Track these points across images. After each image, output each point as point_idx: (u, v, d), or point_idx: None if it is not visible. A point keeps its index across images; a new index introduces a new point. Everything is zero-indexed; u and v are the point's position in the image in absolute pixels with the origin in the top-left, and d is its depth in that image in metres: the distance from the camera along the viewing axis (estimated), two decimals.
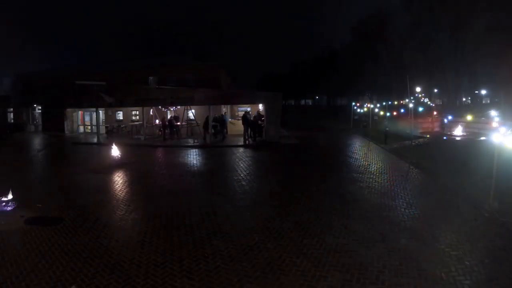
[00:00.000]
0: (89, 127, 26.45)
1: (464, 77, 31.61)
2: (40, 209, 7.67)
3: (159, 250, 5.64)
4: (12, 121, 28.49)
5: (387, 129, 18.94)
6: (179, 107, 24.13)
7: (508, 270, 4.84)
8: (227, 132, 21.57)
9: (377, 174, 11.27)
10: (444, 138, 20.70)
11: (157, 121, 25.08)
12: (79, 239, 6.07)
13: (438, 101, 47.89)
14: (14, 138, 23.10)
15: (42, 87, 25.37)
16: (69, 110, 24.95)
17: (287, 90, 59.57)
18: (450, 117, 23.98)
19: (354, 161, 14.02)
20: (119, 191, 9.49)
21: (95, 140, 21.86)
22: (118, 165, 12.72)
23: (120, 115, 26.51)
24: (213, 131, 20.46)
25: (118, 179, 10.94)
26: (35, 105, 27.92)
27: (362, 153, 15.88)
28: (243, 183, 10.26)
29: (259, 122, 20.96)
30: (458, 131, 21.72)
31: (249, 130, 19.84)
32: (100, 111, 25.07)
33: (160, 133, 23.00)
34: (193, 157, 15.19)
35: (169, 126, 21.32)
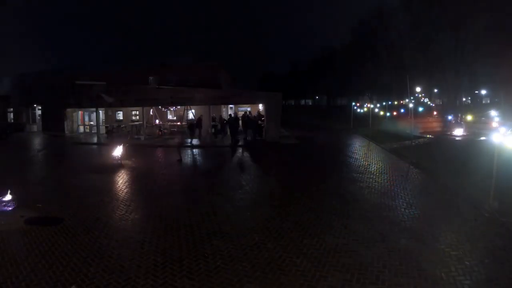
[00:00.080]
0: (89, 127, 26.46)
1: (464, 77, 31.56)
2: (40, 209, 7.67)
3: (159, 250, 5.64)
4: (12, 121, 28.50)
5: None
6: (179, 107, 24.16)
7: (508, 270, 4.84)
8: (227, 132, 21.57)
9: (377, 174, 11.27)
10: (445, 138, 20.71)
11: (157, 121, 25.12)
12: (79, 239, 6.07)
13: (438, 101, 47.90)
14: (14, 138, 23.10)
15: (42, 87, 25.39)
16: (69, 110, 24.96)
17: (287, 90, 59.65)
18: (450, 117, 23.99)
19: (354, 161, 14.02)
20: (119, 191, 9.49)
21: (95, 140, 21.88)
22: (118, 165, 12.72)
23: (120, 115, 26.53)
24: (213, 131, 20.46)
25: (118, 179, 10.94)
26: (35, 105, 27.93)
27: (362, 153, 15.88)
28: (243, 183, 10.26)
29: (259, 122, 20.96)
30: (459, 131, 21.71)
31: (249, 130, 19.87)
32: (100, 111, 25.09)
33: (160, 133, 23.04)
34: (193, 157, 15.19)
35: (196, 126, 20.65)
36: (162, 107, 24.61)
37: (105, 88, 22.20)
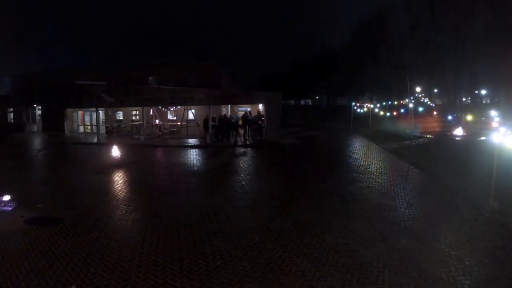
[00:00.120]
0: (89, 127, 26.46)
1: (464, 77, 31.55)
2: (40, 209, 7.67)
3: (159, 250, 5.64)
4: (12, 121, 28.49)
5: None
6: (179, 107, 24.16)
7: (508, 270, 4.84)
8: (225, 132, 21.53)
9: (377, 174, 11.27)
10: (445, 138, 20.69)
11: (157, 121, 25.12)
12: (79, 239, 6.07)
13: (438, 101, 47.88)
14: (14, 138, 23.09)
15: (42, 87, 25.37)
16: (69, 110, 24.95)
17: (287, 90, 59.58)
18: (450, 117, 23.98)
19: (354, 161, 14.02)
20: (119, 191, 9.49)
21: (95, 140, 21.87)
22: (118, 165, 12.72)
23: (120, 115, 26.52)
24: (213, 131, 20.45)
25: (118, 179, 10.94)
26: (35, 105, 27.92)
27: (362, 153, 15.88)
28: (243, 183, 10.26)
29: (259, 122, 20.95)
30: (458, 131, 21.70)
31: (249, 130, 19.86)
32: (100, 111, 25.08)
33: (160, 133, 23.04)
34: (193, 157, 15.19)
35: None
36: (162, 107, 24.61)
37: (105, 88, 22.18)
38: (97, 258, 5.34)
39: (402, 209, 7.57)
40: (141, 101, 22.20)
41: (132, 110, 25.87)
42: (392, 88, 38.46)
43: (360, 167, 12.55)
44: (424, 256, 5.25)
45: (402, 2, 35.96)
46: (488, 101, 44.72)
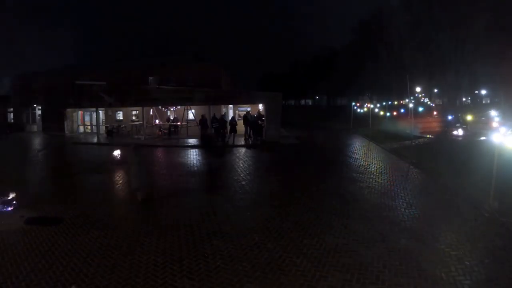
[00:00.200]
0: (89, 127, 26.46)
1: (464, 77, 31.54)
2: (40, 209, 7.67)
3: (159, 250, 5.64)
4: (12, 121, 28.50)
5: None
6: (179, 107, 24.16)
7: (508, 270, 4.84)
8: (226, 132, 21.55)
9: (377, 174, 11.28)
10: (445, 138, 20.69)
11: (157, 121, 25.11)
12: (79, 239, 6.07)
13: (438, 101, 47.89)
14: (14, 138, 23.10)
15: (42, 87, 25.37)
16: (69, 110, 24.97)
17: (287, 90, 59.56)
18: (450, 117, 23.96)
19: (354, 161, 14.02)
20: (119, 191, 9.50)
21: (95, 140, 21.88)
22: (118, 165, 12.72)
23: (120, 115, 26.52)
24: (213, 131, 20.46)
25: (118, 179, 10.94)
26: (35, 105, 27.93)
27: (362, 153, 15.88)
28: (243, 183, 10.26)
29: (259, 122, 20.95)
30: (458, 131, 21.70)
31: (249, 130, 19.87)
32: (100, 111, 25.09)
33: (160, 133, 23.04)
34: (193, 157, 15.19)
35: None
36: (162, 107, 24.61)
37: (105, 88, 22.19)
38: (97, 258, 5.34)
39: (402, 209, 7.57)
40: (141, 101, 22.21)
41: (132, 110, 25.87)
42: (392, 88, 38.48)
43: (360, 167, 12.56)
44: (424, 256, 5.25)
45: (402, 2, 35.96)
46: (488, 101, 44.73)
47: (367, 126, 23.77)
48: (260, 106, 24.01)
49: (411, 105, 18.53)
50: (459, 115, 23.78)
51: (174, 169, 12.61)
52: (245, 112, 21.62)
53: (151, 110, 24.67)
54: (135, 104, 23.03)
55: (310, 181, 10.48)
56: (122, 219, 7.20)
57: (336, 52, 56.30)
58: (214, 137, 19.00)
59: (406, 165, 12.47)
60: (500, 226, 6.39)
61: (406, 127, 18.41)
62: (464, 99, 40.97)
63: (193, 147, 18.25)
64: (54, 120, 24.73)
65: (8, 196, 7.59)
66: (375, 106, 34.56)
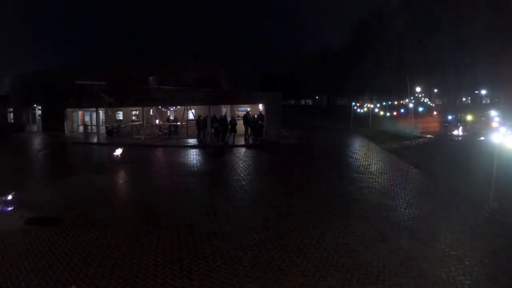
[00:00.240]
0: (89, 127, 26.46)
1: (464, 77, 31.57)
2: (40, 209, 7.67)
3: (159, 250, 5.64)
4: (12, 121, 28.50)
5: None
6: (179, 107, 24.17)
7: (508, 270, 4.83)
8: (227, 132, 21.54)
9: (377, 174, 11.27)
10: (445, 138, 20.70)
11: (157, 121, 25.12)
12: (79, 239, 6.07)
13: (438, 101, 47.92)
14: (14, 138, 23.10)
15: (42, 87, 25.38)
16: (69, 110, 24.97)
17: (287, 90, 59.62)
18: (450, 117, 23.97)
19: (354, 161, 14.02)
20: (119, 191, 9.50)
21: (95, 140, 21.88)
22: (118, 165, 12.73)
23: (120, 115, 26.52)
24: (213, 131, 20.47)
25: (118, 179, 10.94)
26: (35, 105, 27.93)
27: (362, 153, 15.88)
28: (243, 183, 10.26)
29: (260, 122, 20.95)
30: (458, 131, 21.70)
31: (249, 130, 19.87)
32: (100, 111, 25.09)
33: (160, 133, 23.03)
34: (193, 157, 15.19)
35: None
36: (162, 107, 24.62)
37: (105, 88, 22.20)
38: (97, 258, 5.34)
39: (402, 209, 7.57)
40: (141, 101, 22.21)
41: (132, 110, 25.87)
42: (392, 88, 38.51)
43: (360, 167, 12.56)
44: (424, 256, 5.25)
45: (402, 2, 35.97)
46: (488, 101, 44.74)
47: (367, 126, 23.77)
48: (260, 106, 24.02)
49: (411, 105, 18.52)
50: (459, 115, 23.79)
51: (173, 169, 12.62)
52: (245, 112, 21.61)
53: (151, 110, 24.67)
54: (135, 104, 23.03)
55: (310, 181, 10.48)
56: (122, 219, 7.20)
57: (336, 52, 56.32)
58: (209, 139, 18.97)
59: (406, 165, 12.46)
60: (500, 226, 6.39)
61: (406, 127, 18.41)
62: (464, 99, 40.97)
63: (193, 147, 18.26)
64: (54, 120, 24.73)
65: (8, 196, 7.59)
66: (375, 106, 34.56)
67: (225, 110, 24.17)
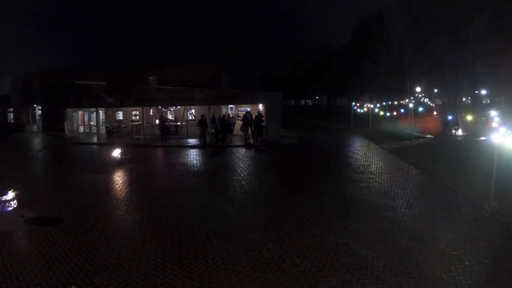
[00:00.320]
0: (89, 127, 26.47)
1: (464, 77, 31.56)
2: (40, 209, 7.68)
3: (159, 250, 5.65)
4: (12, 121, 28.52)
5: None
6: (179, 107, 24.17)
7: (508, 270, 4.84)
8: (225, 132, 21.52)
9: (377, 174, 11.27)
10: (445, 138, 20.69)
11: (157, 121, 25.12)
12: (79, 239, 6.07)
13: (438, 101, 47.89)
14: (14, 138, 23.10)
15: (42, 87, 25.40)
16: (69, 110, 24.97)
17: (287, 90, 59.59)
18: (450, 117, 23.95)
19: (354, 161, 14.02)
20: (119, 191, 9.50)
21: (95, 140, 21.87)
22: (118, 165, 12.73)
23: (120, 115, 26.53)
24: (213, 131, 20.47)
25: (118, 179, 10.94)
26: (35, 105, 27.95)
27: (362, 153, 15.88)
28: (243, 183, 10.26)
29: (259, 122, 20.95)
30: (458, 131, 21.70)
31: (249, 130, 19.87)
32: (100, 111, 25.10)
33: (160, 133, 23.00)
34: (193, 157, 15.19)
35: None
36: (162, 107, 24.62)
37: (105, 88, 22.21)
38: (97, 258, 5.34)
39: (402, 209, 7.57)
40: (141, 101, 22.22)
41: (132, 110, 25.88)
42: (392, 88, 38.48)
43: (360, 167, 12.56)
44: (424, 256, 5.25)
45: (401, 2, 35.94)
46: (488, 101, 44.73)
47: (367, 126, 23.76)
48: (260, 106, 24.02)
49: (411, 105, 18.52)
50: (458, 115, 23.78)
51: (173, 169, 12.61)
52: (245, 112, 21.62)
53: (151, 110, 24.67)
54: (135, 104, 23.04)
55: (310, 181, 10.48)
56: (122, 219, 7.20)
57: (336, 52, 56.30)
58: (209, 139, 18.97)
59: (406, 165, 12.48)
60: (500, 226, 6.39)
61: (406, 127, 18.41)
62: (464, 99, 40.95)
63: (192, 147, 18.26)
64: (54, 120, 24.74)
65: (8, 196, 7.58)
66: (375, 106, 34.54)
67: (225, 110, 24.18)
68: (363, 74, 39.97)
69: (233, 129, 21.26)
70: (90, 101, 22.87)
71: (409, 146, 14.94)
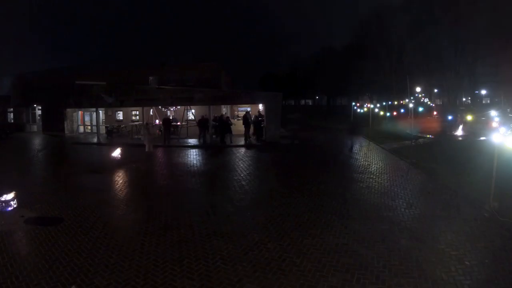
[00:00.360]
0: (89, 127, 26.47)
1: (464, 77, 31.58)
2: (40, 209, 7.67)
3: (159, 250, 5.64)
4: (12, 121, 28.52)
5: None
6: (179, 107, 24.18)
7: (508, 270, 4.83)
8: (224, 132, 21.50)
9: (377, 174, 11.27)
10: (445, 138, 20.69)
11: (157, 121, 25.12)
12: (79, 239, 6.07)
13: (438, 101, 47.91)
14: (14, 138, 23.10)
15: (42, 87, 25.41)
16: (69, 110, 24.98)
17: (287, 90, 59.59)
18: (450, 117, 23.95)
19: (354, 161, 14.02)
20: (119, 191, 9.50)
21: (95, 140, 21.87)
22: (118, 165, 12.73)
23: (120, 115, 26.53)
24: (213, 131, 20.48)
25: (118, 179, 10.94)
26: (35, 105, 27.95)
27: (362, 153, 15.88)
28: (243, 183, 10.26)
29: (259, 121, 20.95)
30: (458, 131, 21.71)
31: (249, 130, 19.86)
32: (100, 111, 25.10)
33: (160, 133, 23.00)
34: (193, 157, 15.20)
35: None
36: (162, 107, 24.63)
37: (105, 88, 22.21)
38: (97, 258, 5.34)
39: (402, 209, 7.57)
40: (141, 101, 22.22)
41: (132, 110, 25.87)
42: (392, 88, 38.49)
43: (360, 167, 12.55)
44: (424, 256, 5.25)
45: (402, 2, 35.97)
46: (488, 101, 44.75)
47: (367, 126, 23.75)
48: (260, 106, 24.02)
49: (411, 105, 18.51)
50: (458, 115, 23.79)
51: (173, 169, 12.61)
52: (245, 112, 21.61)
53: (151, 110, 24.68)
54: (135, 104, 23.04)
55: (310, 181, 10.47)
56: (122, 219, 7.20)
57: (336, 52, 56.30)
58: (209, 139, 18.95)
59: (406, 165, 12.47)
60: (500, 226, 6.39)
61: (406, 127, 18.40)
62: (464, 99, 40.96)
63: (193, 147, 18.26)
64: (54, 120, 24.75)
65: (8, 196, 7.58)
66: (375, 106, 34.55)
67: (225, 110, 24.18)
68: (363, 74, 39.94)
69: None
70: (90, 101, 22.87)
71: (409, 146, 14.93)
